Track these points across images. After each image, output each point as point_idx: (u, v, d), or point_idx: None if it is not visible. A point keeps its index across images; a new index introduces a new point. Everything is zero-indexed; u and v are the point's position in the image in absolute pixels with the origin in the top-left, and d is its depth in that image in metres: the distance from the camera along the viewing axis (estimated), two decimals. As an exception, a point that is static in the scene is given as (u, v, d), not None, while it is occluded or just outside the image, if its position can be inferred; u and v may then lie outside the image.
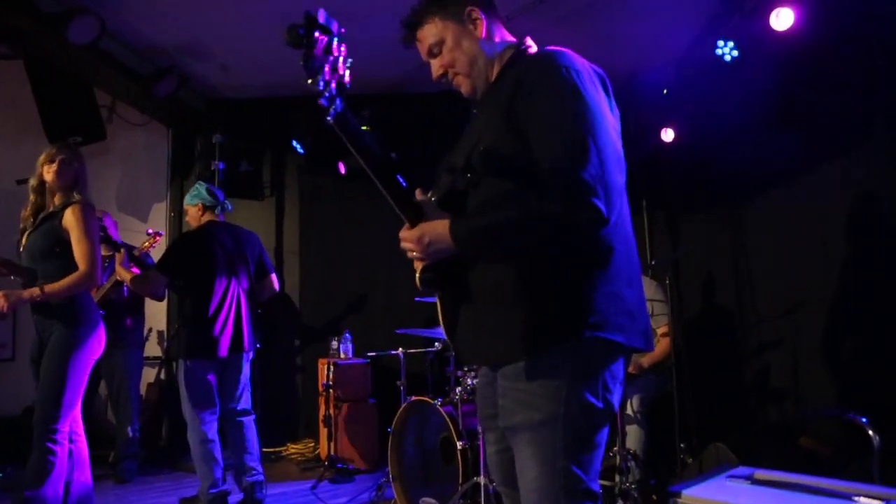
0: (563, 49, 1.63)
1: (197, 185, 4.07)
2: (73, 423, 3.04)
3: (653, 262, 3.67)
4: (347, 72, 1.48)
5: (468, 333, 1.70)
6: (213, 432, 3.80)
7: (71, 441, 3.03)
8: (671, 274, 3.59)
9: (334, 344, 5.30)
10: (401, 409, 3.72)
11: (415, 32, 1.81)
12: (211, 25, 4.71)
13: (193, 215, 4.02)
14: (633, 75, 4.76)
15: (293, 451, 5.47)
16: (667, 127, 4.59)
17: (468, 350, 1.75)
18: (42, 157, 3.23)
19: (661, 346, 3.97)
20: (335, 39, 1.43)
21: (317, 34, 1.39)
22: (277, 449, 5.46)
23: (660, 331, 4.04)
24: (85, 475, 3.10)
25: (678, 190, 5.22)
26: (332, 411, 4.82)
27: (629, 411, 3.77)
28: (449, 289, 1.72)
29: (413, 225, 1.63)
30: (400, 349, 4.28)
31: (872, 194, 3.60)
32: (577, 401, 1.53)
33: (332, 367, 4.88)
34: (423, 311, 4.45)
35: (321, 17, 1.41)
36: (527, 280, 1.57)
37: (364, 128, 5.52)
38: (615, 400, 1.60)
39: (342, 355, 5.17)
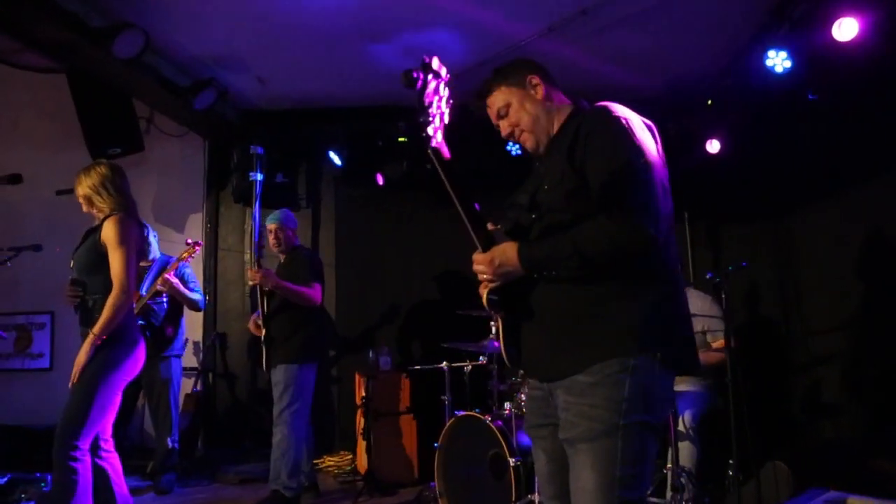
0: (615, 104, 1.88)
1: (285, 210, 4.54)
2: (101, 439, 3.01)
3: (716, 279, 3.59)
4: (448, 110, 1.70)
5: (533, 350, 1.90)
6: None
7: (99, 457, 2.99)
8: (725, 288, 3.51)
9: (371, 356, 5.27)
10: (448, 423, 3.67)
11: (485, 100, 2.06)
12: (250, 38, 4.73)
13: (291, 236, 4.46)
14: (676, 86, 4.70)
15: (330, 463, 5.44)
16: (712, 138, 4.52)
17: (533, 365, 1.93)
18: (80, 175, 3.20)
19: (716, 355, 3.88)
20: (443, 84, 1.66)
21: (430, 77, 1.63)
22: (314, 461, 5.42)
23: (715, 345, 3.96)
24: (123, 490, 3.07)
25: (721, 201, 5.13)
26: (370, 424, 4.78)
27: (681, 427, 3.70)
28: (512, 309, 1.91)
29: (485, 249, 1.84)
30: (444, 363, 4.23)
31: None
32: (635, 415, 1.69)
33: (370, 380, 4.85)
34: (464, 325, 4.41)
35: (435, 64, 1.64)
36: (587, 300, 1.77)
37: (401, 139, 5.48)
38: (665, 415, 1.82)
39: (381, 367, 5.13)
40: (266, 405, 5.35)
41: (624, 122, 1.80)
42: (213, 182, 6.23)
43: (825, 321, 4.26)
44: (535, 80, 2.00)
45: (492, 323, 4.02)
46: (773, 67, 3.84)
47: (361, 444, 4.97)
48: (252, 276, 4.13)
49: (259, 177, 5.67)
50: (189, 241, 4.58)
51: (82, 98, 5.39)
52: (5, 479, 4.40)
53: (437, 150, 1.71)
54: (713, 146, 4.54)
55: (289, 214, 4.52)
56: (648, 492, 1.96)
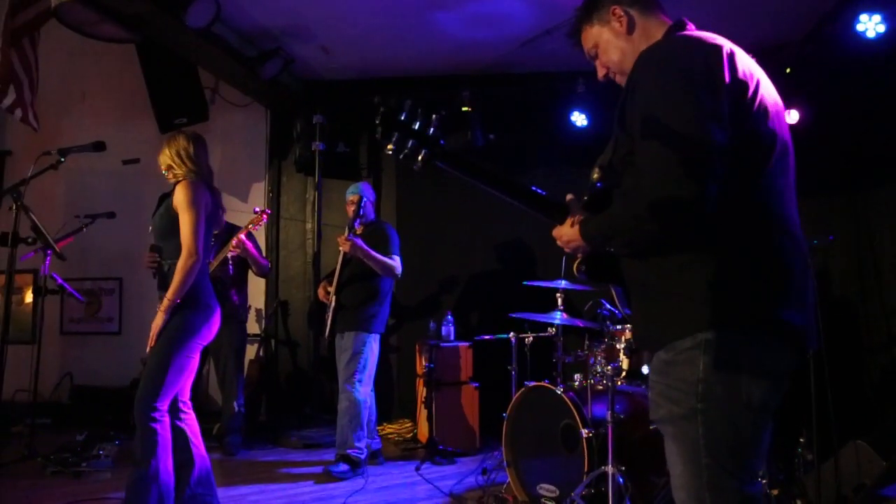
0: (674, 36, 1.68)
1: (365, 183, 4.70)
2: (179, 401, 3.08)
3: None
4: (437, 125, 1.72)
5: (633, 318, 1.80)
6: None
7: (179, 418, 3.06)
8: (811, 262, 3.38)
9: (433, 325, 5.30)
10: (518, 393, 3.67)
11: (576, 38, 1.91)
12: (316, 7, 4.73)
13: (371, 209, 4.53)
14: (754, 50, 4.52)
15: (389, 430, 5.52)
16: (790, 108, 4.35)
17: (633, 333, 1.94)
18: (164, 144, 3.24)
19: None
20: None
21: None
22: (375, 428, 5.52)
23: None
24: (201, 451, 3.14)
25: (797, 174, 4.95)
26: (432, 393, 4.82)
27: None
28: (608, 278, 1.83)
29: (561, 222, 1.75)
30: (511, 333, 4.22)
31: None
32: (715, 395, 1.50)
33: (433, 350, 4.88)
34: (529, 296, 4.39)
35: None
36: (653, 272, 1.61)
37: (464, 108, 5.41)
38: (763, 393, 1.51)
39: (444, 337, 5.15)
40: (328, 373, 5.47)
41: (655, 69, 1.56)
42: (275, 151, 6.29)
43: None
44: (619, 12, 1.79)
45: (557, 294, 4.00)
46: (864, 32, 3.66)
47: (422, 413, 5.01)
48: (342, 244, 4.18)
49: (321, 146, 5.75)
50: (257, 209, 4.64)
51: (151, 69, 5.49)
52: (83, 435, 4.59)
53: (445, 158, 1.73)
54: (791, 116, 4.37)
55: (368, 187, 4.61)
56: (759, 479, 1.73)
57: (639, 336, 1.79)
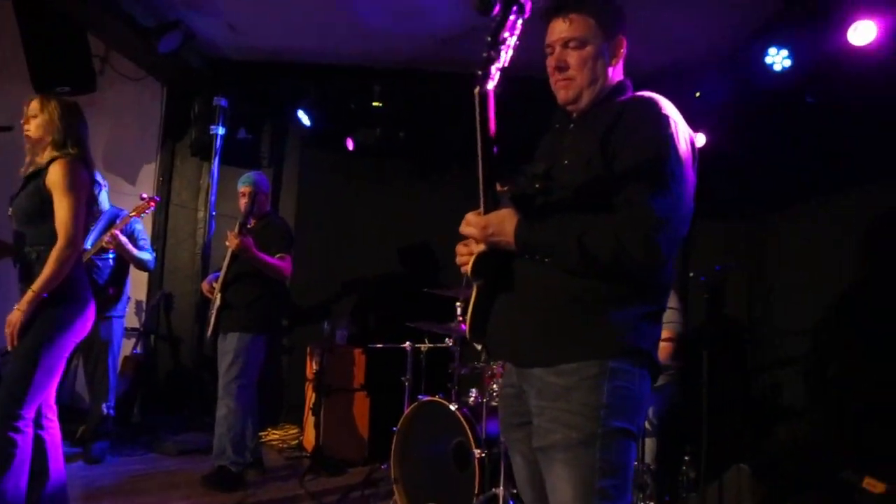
0: (663, 99, 1.69)
1: (259, 173, 4.32)
2: (44, 406, 2.72)
3: (701, 278, 3.51)
4: (510, 55, 1.52)
5: (507, 329, 1.72)
6: None
7: (40, 427, 2.71)
8: (709, 288, 3.43)
9: (327, 328, 5.06)
10: (410, 408, 3.50)
11: (565, 12, 1.72)
12: (223, -21, 4.40)
13: (264, 201, 4.15)
14: (664, 73, 4.57)
15: (274, 437, 5.22)
16: (698, 131, 4.42)
17: (502, 345, 1.76)
18: (25, 109, 2.85)
19: (665, 346, 3.81)
20: (520, 20, 1.48)
21: (514, 9, 1.45)
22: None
23: (664, 334, 3.88)
24: (59, 465, 2.78)
25: (698, 196, 5.07)
26: (321, 399, 4.58)
27: (646, 425, 3.62)
28: (495, 279, 1.73)
29: (486, 212, 1.67)
30: (407, 343, 4.05)
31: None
32: (614, 421, 1.57)
33: (325, 354, 4.64)
34: (428, 304, 4.25)
35: None
36: (585, 289, 1.61)
37: (375, 103, 5.19)
38: (643, 420, 1.72)
39: (336, 341, 4.92)
40: (211, 372, 5.08)
41: (672, 125, 1.61)
42: (169, 132, 5.83)
43: (791, 324, 4.25)
44: (622, 44, 1.77)
45: (458, 304, 3.89)
46: (772, 65, 3.74)
47: (310, 420, 4.76)
48: (230, 241, 3.84)
49: (221, 130, 5.39)
50: (144, 195, 4.24)
51: (29, 26, 4.92)
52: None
53: (485, 96, 1.54)
54: (699, 139, 4.45)
55: (263, 178, 4.25)
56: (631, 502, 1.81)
57: (519, 345, 1.69)
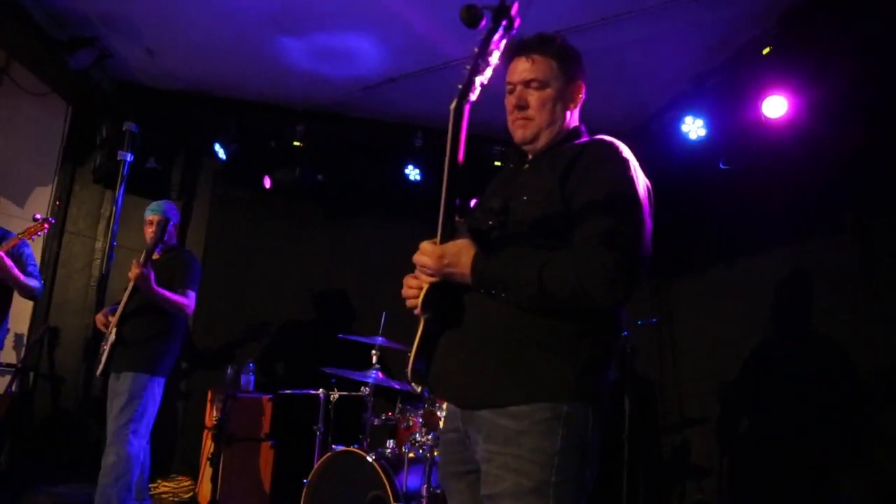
0: (621, 143, 1.71)
1: (169, 202, 4.09)
2: None
3: (624, 332, 3.56)
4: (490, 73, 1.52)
5: (454, 367, 1.64)
6: None
7: None
8: (631, 344, 3.47)
9: (230, 373, 4.76)
10: (323, 458, 3.30)
11: (528, 53, 1.73)
12: (147, 3, 4.20)
13: (173, 233, 3.91)
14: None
15: (165, 489, 4.80)
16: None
17: (448, 383, 1.67)
18: None
19: None
20: (505, 40, 1.48)
21: (503, 23, 1.44)
22: (146, 486, 4.77)
23: None
24: None
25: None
26: (221, 449, 4.26)
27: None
28: (445, 316, 1.66)
29: (442, 242, 1.61)
30: (321, 389, 3.87)
31: (811, 285, 3.69)
32: (568, 470, 1.50)
33: (228, 400, 4.34)
34: (341, 351, 4.10)
35: (514, 9, 1.45)
36: (541, 327, 1.56)
37: (296, 143, 5.06)
38: (595, 469, 1.58)
39: (242, 387, 4.63)
40: (96, 416, 4.66)
41: (632, 169, 1.64)
42: (70, 155, 5.43)
43: (700, 384, 4.39)
44: (581, 90, 1.80)
45: (373, 352, 3.79)
46: (687, 133, 3.94)
47: (207, 471, 4.38)
48: (131, 271, 3.54)
49: (129, 157, 5.08)
50: (38, 215, 3.88)
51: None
52: None
53: (461, 111, 1.53)
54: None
55: (173, 207, 4.00)
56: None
57: (466, 384, 1.61)
